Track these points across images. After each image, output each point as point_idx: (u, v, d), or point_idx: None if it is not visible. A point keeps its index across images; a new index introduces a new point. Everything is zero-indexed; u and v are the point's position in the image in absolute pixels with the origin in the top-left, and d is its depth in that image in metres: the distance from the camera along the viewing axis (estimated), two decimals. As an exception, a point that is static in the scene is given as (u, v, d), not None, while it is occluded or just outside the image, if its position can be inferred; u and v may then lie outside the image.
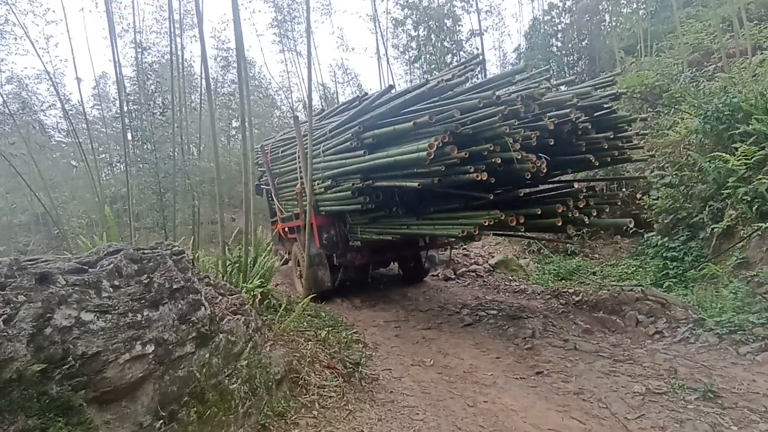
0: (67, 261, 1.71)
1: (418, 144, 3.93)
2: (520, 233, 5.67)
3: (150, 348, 1.73)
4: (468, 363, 3.69)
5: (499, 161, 3.75)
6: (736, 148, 6.29)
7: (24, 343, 1.35)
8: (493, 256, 8.37)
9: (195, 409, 1.86)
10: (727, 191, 6.21)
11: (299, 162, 6.43)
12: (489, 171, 3.76)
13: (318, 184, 5.72)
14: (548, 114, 4.05)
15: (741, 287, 4.60)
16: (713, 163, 6.59)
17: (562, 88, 5.24)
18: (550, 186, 5.20)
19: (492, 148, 3.74)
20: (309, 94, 6.65)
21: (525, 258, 8.53)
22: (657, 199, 7.62)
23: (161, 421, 1.73)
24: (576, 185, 4.93)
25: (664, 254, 7.11)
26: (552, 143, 4.06)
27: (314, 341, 3.44)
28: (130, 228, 7.11)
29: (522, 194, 4.56)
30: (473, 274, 7.91)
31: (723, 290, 4.85)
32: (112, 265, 1.74)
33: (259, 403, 2.18)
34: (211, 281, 2.64)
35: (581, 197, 4.42)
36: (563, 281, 7.79)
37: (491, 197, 4.28)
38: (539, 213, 4.13)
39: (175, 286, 1.99)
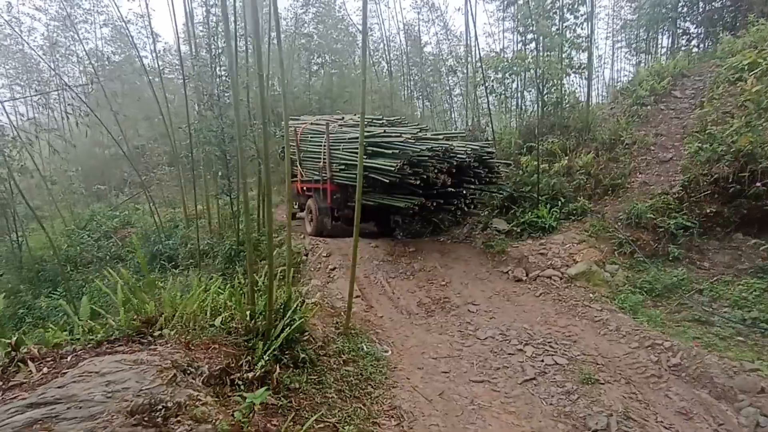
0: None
1: (392, 160, 7.51)
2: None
3: None
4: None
5: (425, 176, 7.58)
6: None
7: None
8: (574, 260, 7.26)
9: None
10: None
11: (324, 151, 9.42)
12: (421, 180, 7.56)
13: (335, 166, 9.22)
14: (457, 157, 7.91)
15: None
16: None
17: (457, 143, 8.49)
18: (454, 191, 8.41)
19: (422, 170, 7.55)
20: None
21: (613, 263, 7.31)
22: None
23: None
24: (464, 191, 8.73)
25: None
26: (455, 171, 8.04)
27: None
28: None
29: (436, 191, 8.07)
30: (548, 280, 6.95)
31: None
32: None
33: None
34: None
35: (468, 198, 8.88)
36: (658, 298, 6.58)
37: (421, 192, 7.83)
38: (441, 201, 8.25)
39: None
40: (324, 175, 9.41)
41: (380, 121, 10.22)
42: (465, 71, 15.81)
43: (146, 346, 3.05)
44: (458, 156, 7.95)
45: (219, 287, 4.54)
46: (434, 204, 8.08)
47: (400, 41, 25.80)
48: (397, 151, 7.55)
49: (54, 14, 21.56)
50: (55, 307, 9.82)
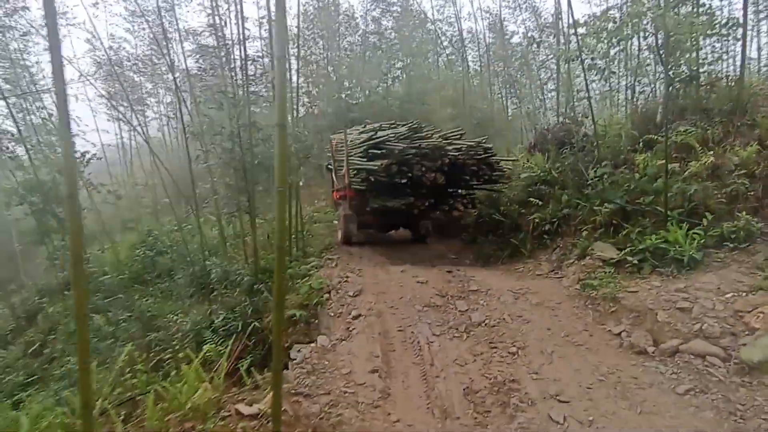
0: None
1: (380, 161, 7.95)
2: None
3: None
4: None
5: (411, 175, 7.89)
6: None
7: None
8: (746, 324, 4.17)
9: None
10: None
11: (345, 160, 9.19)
12: (408, 179, 7.95)
13: (351, 173, 9.02)
14: (448, 155, 8.29)
15: None
16: None
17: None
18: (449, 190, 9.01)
19: (407, 169, 7.89)
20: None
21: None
22: None
23: None
24: (460, 190, 9.22)
25: None
26: (447, 169, 8.23)
27: None
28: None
29: (424, 190, 8.30)
30: (699, 361, 3.99)
31: None
32: None
33: None
34: None
35: (465, 198, 9.32)
36: None
37: (408, 191, 8.22)
38: (434, 201, 8.61)
39: None
40: (345, 182, 9.45)
41: (389, 125, 10.35)
42: (555, 44, 12.70)
43: None
44: (450, 154, 8.15)
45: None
46: (426, 204, 8.33)
47: (477, 32, 22.91)
48: (384, 151, 7.93)
49: (147, 36, 22.12)
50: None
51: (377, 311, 5.78)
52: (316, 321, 6.16)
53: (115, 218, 18.27)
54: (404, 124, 9.87)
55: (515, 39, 21.91)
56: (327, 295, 6.48)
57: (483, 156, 8.80)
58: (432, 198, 8.45)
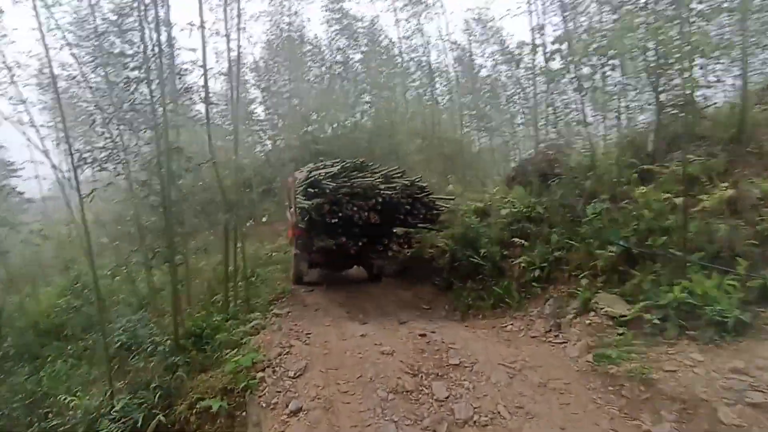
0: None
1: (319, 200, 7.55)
2: None
3: None
4: None
5: (341, 214, 7.51)
6: None
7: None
8: None
9: None
10: None
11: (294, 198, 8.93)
12: (339, 218, 7.52)
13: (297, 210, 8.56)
14: (381, 193, 7.76)
15: None
16: None
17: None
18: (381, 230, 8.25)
19: (338, 208, 7.54)
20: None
21: None
22: None
23: None
24: (394, 230, 8.59)
25: None
26: (380, 209, 7.75)
27: None
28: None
29: (357, 229, 7.84)
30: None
31: None
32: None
33: None
34: None
35: (400, 238, 8.84)
36: None
37: (340, 230, 7.73)
38: (366, 240, 8.01)
39: None
40: (293, 220, 9.06)
41: (341, 164, 9.71)
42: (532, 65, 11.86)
43: None
44: (383, 193, 7.91)
45: None
46: (359, 243, 8.05)
47: (446, 65, 22.24)
48: (318, 189, 7.76)
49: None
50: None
51: (325, 401, 4.20)
52: (243, 413, 4.49)
53: (55, 260, 16.02)
54: (342, 162, 9.32)
55: (483, 72, 21.37)
56: (261, 374, 4.83)
57: (419, 195, 8.39)
58: (366, 237, 8.07)
